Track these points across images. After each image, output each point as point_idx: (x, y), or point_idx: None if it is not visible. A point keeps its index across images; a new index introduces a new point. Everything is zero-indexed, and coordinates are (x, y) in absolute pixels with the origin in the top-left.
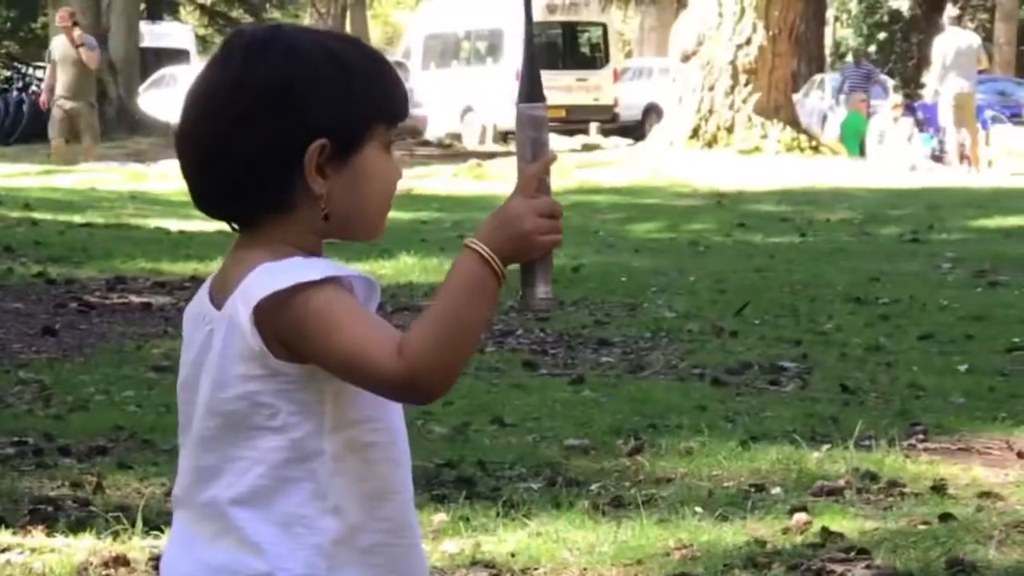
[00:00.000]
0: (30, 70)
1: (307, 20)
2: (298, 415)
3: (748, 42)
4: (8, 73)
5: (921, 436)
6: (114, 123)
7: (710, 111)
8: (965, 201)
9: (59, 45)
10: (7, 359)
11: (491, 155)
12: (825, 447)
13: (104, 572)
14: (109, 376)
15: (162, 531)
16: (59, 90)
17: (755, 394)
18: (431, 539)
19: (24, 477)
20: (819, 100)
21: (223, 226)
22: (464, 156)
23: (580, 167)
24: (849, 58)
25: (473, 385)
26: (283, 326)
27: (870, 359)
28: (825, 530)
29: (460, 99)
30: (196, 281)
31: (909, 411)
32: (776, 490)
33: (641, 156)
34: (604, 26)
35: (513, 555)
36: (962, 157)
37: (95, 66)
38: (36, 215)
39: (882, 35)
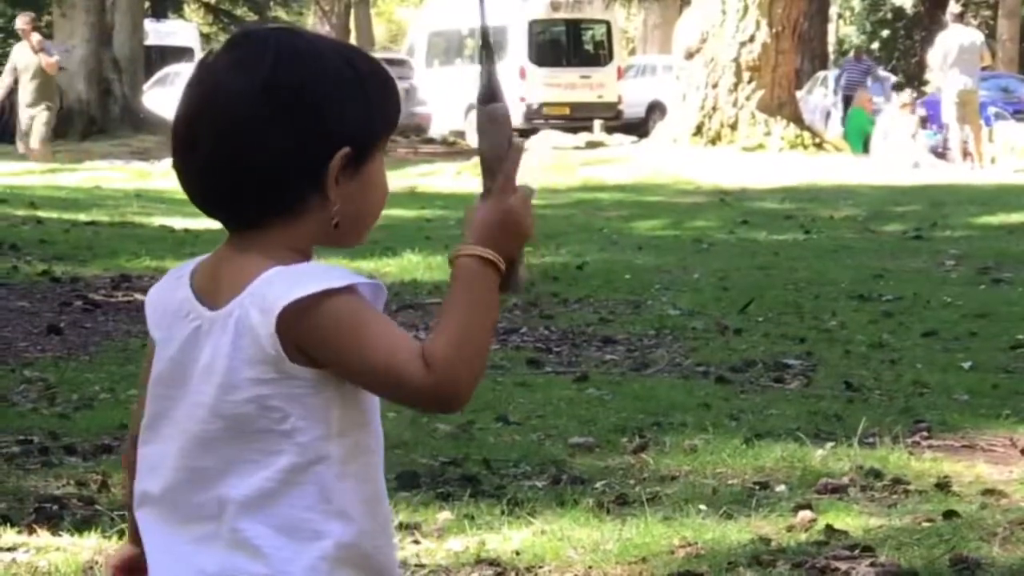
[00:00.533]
0: None
1: (311, 18)
2: (307, 419)
3: (752, 39)
4: None
5: (925, 433)
6: (118, 121)
7: (714, 108)
8: (968, 198)
9: (21, 52)
10: (12, 358)
11: None
12: (829, 444)
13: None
14: (114, 374)
15: None
16: (23, 96)
17: (759, 392)
18: (436, 537)
19: (29, 476)
20: (822, 97)
21: None
22: (468, 153)
23: (584, 164)
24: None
25: None
26: (306, 333)
27: (874, 356)
28: (829, 528)
29: (464, 96)
30: None
31: (913, 408)
32: (780, 488)
33: (645, 153)
34: (608, 23)
35: (518, 553)
36: (965, 154)
37: (54, 72)
38: (41, 213)
39: (885, 32)
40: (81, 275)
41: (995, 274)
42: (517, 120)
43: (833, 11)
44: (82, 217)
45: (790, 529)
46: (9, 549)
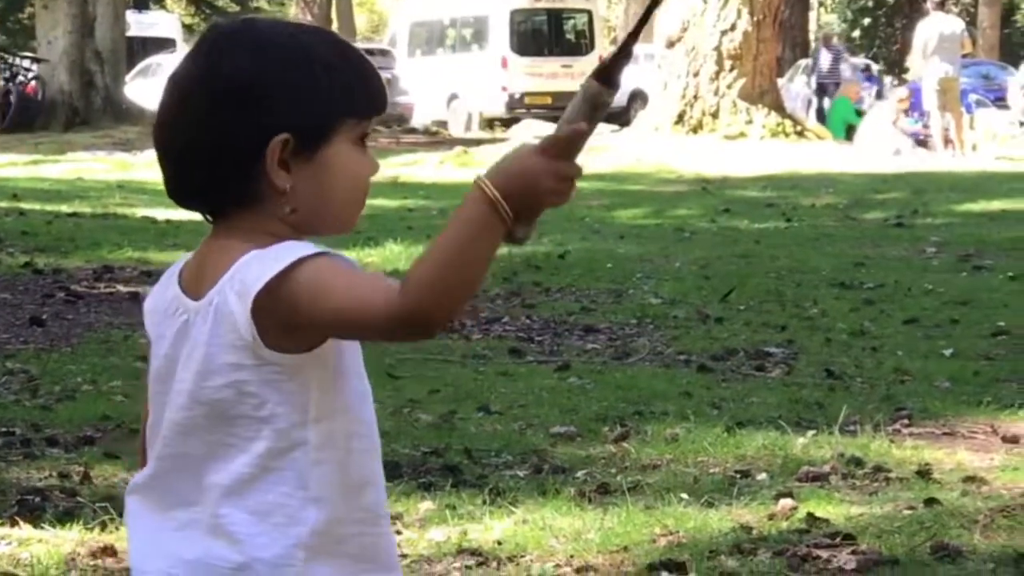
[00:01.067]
0: (17, 60)
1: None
2: (284, 405)
3: (733, 28)
4: None
5: (906, 421)
6: (101, 112)
7: (695, 97)
8: (950, 185)
9: None
10: None
11: (477, 142)
12: (810, 433)
13: (91, 563)
14: (96, 366)
15: None
16: None
17: (740, 380)
18: (418, 527)
19: (11, 468)
20: (804, 85)
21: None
22: (450, 143)
23: None
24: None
25: (459, 373)
26: (284, 306)
27: (855, 344)
28: (811, 516)
29: (446, 86)
30: None
31: (894, 396)
32: (762, 476)
33: (626, 142)
34: (589, 12)
35: (499, 543)
36: (947, 141)
37: None
38: (24, 205)
39: (866, 20)
40: (63, 266)
41: (976, 261)
42: (499, 109)
43: None
44: (64, 208)
45: (771, 517)
46: None
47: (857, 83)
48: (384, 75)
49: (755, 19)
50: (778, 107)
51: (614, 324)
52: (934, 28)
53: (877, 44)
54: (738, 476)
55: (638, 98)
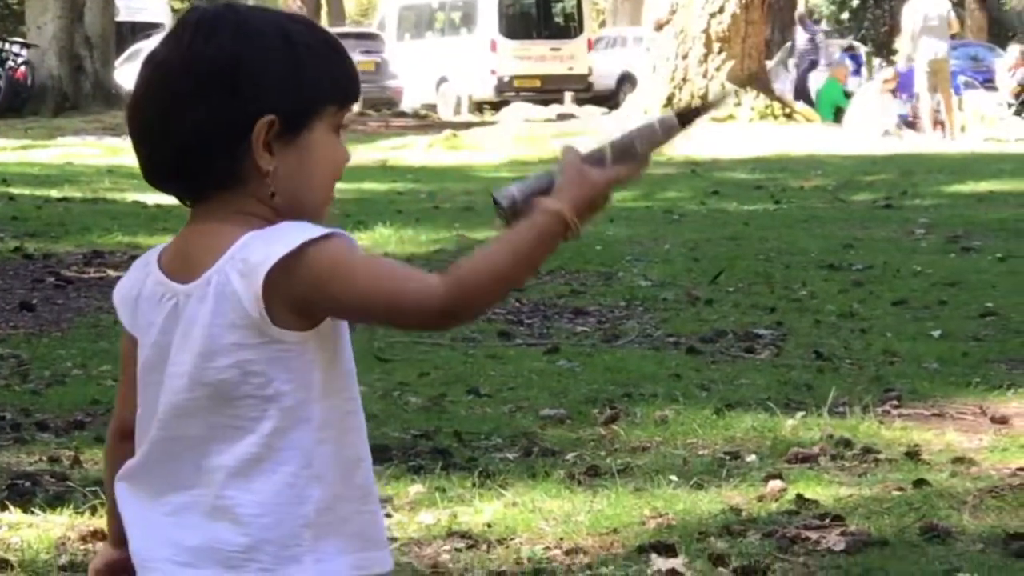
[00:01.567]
0: (7, 45)
1: None
2: (290, 383)
3: (721, 10)
4: None
5: (895, 402)
6: (90, 97)
7: (684, 79)
8: (938, 167)
9: None
10: None
11: (466, 125)
12: (800, 414)
13: (82, 547)
14: (86, 351)
15: None
16: None
17: (730, 362)
18: (407, 510)
19: (1, 452)
20: (792, 67)
21: None
22: (439, 127)
23: (555, 136)
24: (824, 25)
25: (449, 356)
26: (297, 285)
27: (844, 325)
28: (800, 497)
29: (435, 70)
30: None
31: (883, 377)
32: (751, 458)
33: (615, 125)
34: None
35: (489, 525)
36: (936, 123)
37: None
38: (13, 190)
39: (855, 2)
40: (53, 251)
41: (965, 242)
42: (488, 93)
43: None
44: (54, 193)
45: (761, 499)
46: None
47: (846, 66)
48: (373, 59)
49: (743, 1)
50: (767, 89)
51: (603, 307)
52: (920, 10)
53: (865, 26)
54: (727, 458)
55: (627, 81)
